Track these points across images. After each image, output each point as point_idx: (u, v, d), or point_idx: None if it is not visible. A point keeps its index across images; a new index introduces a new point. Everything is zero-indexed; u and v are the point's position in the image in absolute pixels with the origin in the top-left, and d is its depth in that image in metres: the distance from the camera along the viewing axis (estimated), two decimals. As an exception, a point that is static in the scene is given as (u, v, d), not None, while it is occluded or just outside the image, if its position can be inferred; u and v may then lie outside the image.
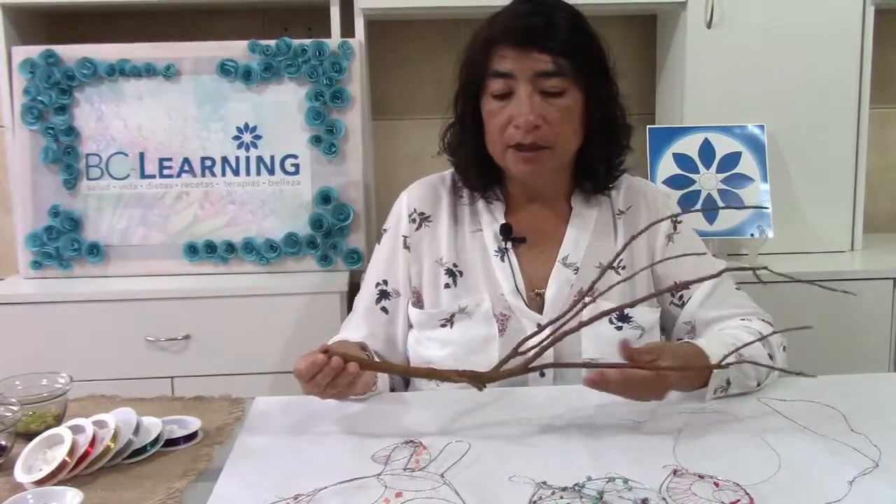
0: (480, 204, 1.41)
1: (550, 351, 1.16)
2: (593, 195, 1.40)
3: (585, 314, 1.14)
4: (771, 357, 1.27)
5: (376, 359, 1.35)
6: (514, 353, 1.12)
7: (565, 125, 1.29)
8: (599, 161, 1.36)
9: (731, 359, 1.18)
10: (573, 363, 1.25)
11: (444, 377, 1.15)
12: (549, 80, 1.27)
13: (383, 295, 1.40)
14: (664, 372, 1.09)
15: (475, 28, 1.34)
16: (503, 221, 1.38)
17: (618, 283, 1.28)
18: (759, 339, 1.20)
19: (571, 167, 1.38)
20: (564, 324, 1.11)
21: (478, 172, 1.38)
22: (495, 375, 1.12)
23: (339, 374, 1.11)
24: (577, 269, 1.35)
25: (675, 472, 0.96)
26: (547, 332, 1.12)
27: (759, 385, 1.23)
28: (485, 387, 1.14)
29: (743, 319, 1.34)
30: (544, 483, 0.94)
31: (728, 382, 1.19)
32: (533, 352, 1.11)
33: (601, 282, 1.33)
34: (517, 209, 1.40)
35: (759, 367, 1.24)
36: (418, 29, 2.47)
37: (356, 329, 1.40)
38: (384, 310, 1.40)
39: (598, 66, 1.32)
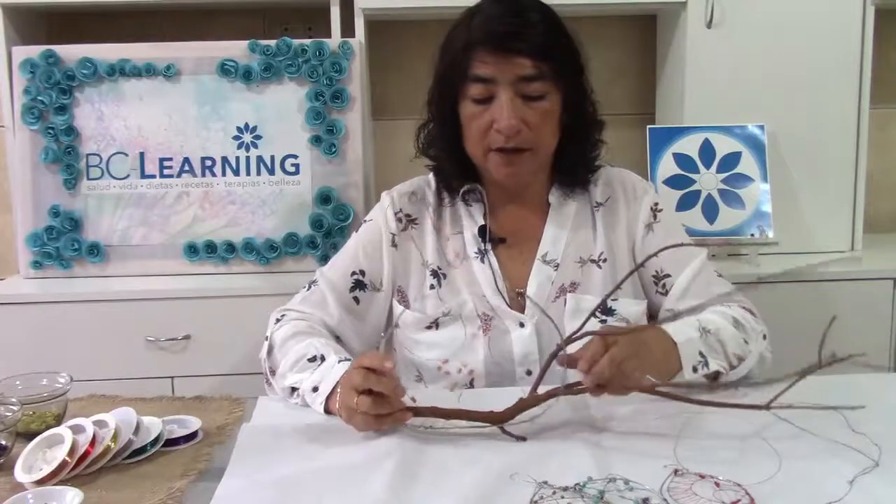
0: (461, 206, 1.42)
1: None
2: (570, 190, 1.40)
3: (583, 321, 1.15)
4: (746, 342, 1.27)
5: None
6: (536, 386, 1.11)
7: (545, 127, 1.30)
8: (576, 158, 1.38)
9: (696, 335, 1.20)
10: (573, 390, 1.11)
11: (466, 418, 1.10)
12: (531, 85, 1.26)
13: (358, 285, 1.39)
14: (624, 367, 1.06)
15: (449, 28, 1.33)
16: (482, 223, 1.38)
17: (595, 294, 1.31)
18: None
19: (549, 165, 1.39)
20: (570, 338, 1.10)
21: (456, 173, 1.38)
22: (510, 413, 1.09)
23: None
24: (556, 266, 1.37)
25: (675, 471, 0.96)
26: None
27: (741, 361, 1.24)
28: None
29: (721, 306, 1.33)
30: (545, 483, 0.94)
31: (702, 355, 1.19)
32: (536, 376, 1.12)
33: (582, 277, 1.36)
34: (497, 209, 1.41)
35: (732, 343, 1.24)
36: (418, 29, 2.47)
37: (325, 310, 1.37)
38: (356, 300, 1.39)
39: (574, 66, 1.32)
